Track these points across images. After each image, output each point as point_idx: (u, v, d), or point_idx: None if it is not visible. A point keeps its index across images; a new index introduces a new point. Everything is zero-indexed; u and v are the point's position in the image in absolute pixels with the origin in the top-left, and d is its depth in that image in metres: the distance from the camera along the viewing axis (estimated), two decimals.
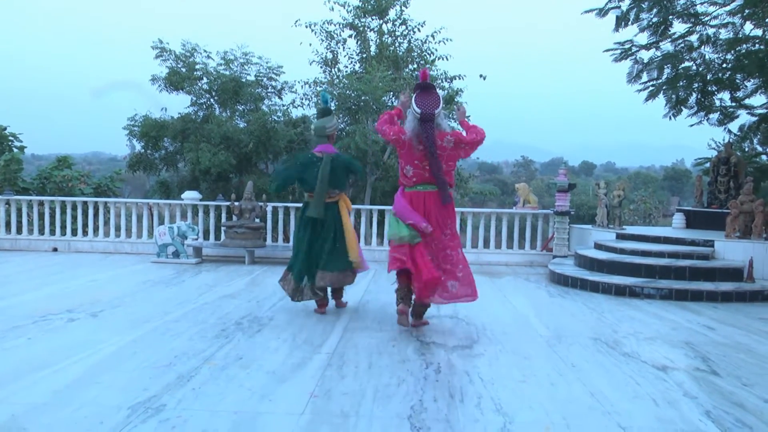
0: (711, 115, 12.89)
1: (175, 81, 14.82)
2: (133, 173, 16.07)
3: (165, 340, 4.79)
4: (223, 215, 10.95)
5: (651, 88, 12.53)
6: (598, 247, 8.97)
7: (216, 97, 15.24)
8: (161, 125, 14.79)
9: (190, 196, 10.97)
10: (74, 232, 11.14)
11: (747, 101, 12.65)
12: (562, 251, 9.93)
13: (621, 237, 9.35)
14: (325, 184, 5.70)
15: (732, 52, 11.91)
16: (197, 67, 15.05)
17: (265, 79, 15.75)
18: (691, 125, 13.02)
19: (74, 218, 11.39)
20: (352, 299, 6.70)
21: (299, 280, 5.84)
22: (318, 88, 15.19)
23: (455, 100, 15.54)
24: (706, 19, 11.96)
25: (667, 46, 12.31)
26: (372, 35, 15.86)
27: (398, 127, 5.28)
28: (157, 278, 7.90)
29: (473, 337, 5.15)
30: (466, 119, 5.55)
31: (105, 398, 3.53)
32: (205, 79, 15.09)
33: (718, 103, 12.76)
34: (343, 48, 16.10)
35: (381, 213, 12.10)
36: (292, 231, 10.16)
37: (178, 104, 15.86)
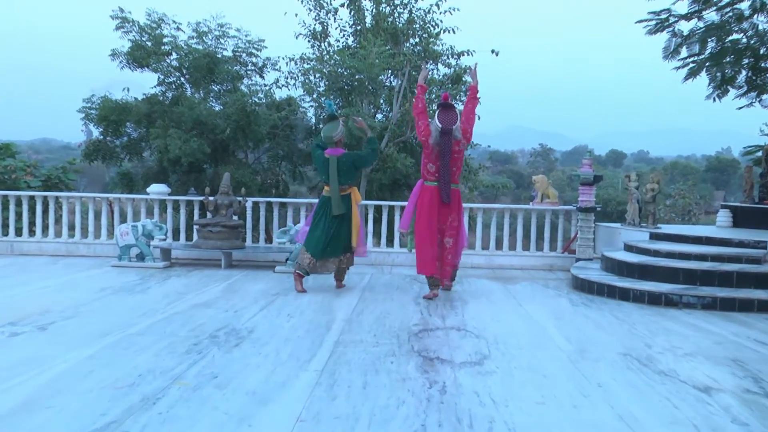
0: (764, 96, 12.82)
1: (139, 57, 14.76)
2: (90, 163, 15.98)
3: (127, 356, 4.77)
4: (196, 212, 10.96)
5: (692, 65, 12.49)
6: (629, 248, 8.99)
7: (187, 76, 15.21)
8: (123, 108, 14.73)
9: (156, 189, 10.96)
10: (19, 232, 11.09)
11: None
12: (587, 253, 9.94)
13: (655, 237, 9.37)
14: (336, 184, 7.61)
15: None
16: (165, 40, 14.99)
17: (244, 54, 15.72)
18: (740, 108, 12.95)
19: (19, 215, 11.33)
20: (345, 308, 6.70)
21: (318, 256, 7.56)
22: (306, 66, 15.18)
23: (462, 79, 15.55)
24: None
25: (711, 15, 12.22)
26: (367, 4, 15.85)
27: (426, 127, 7.39)
28: (119, 285, 7.88)
29: (483, 352, 5.15)
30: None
31: (55, 425, 3.51)
32: (174, 55, 15.05)
33: None
34: (334, 19, 16.10)
35: (378, 209, 12.09)
36: (276, 230, 10.17)
37: (142, 84, 15.81)
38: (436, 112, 7.35)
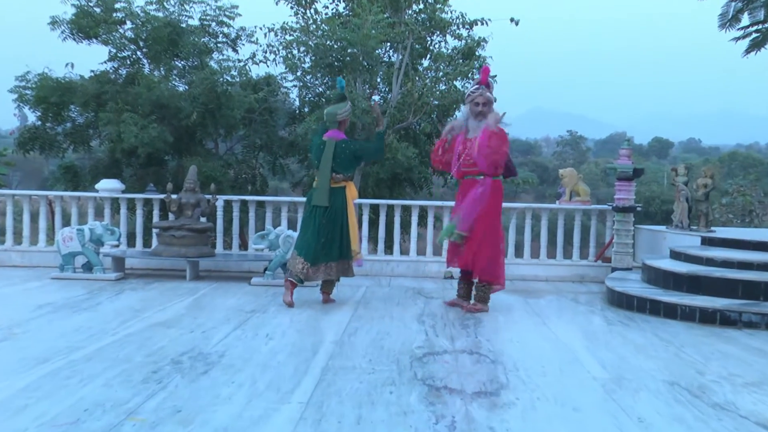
0: None
1: (85, 26, 14.74)
2: (25, 155, 15.93)
3: (71, 386, 4.75)
4: (156, 213, 10.93)
5: (755, 35, 12.45)
6: (676, 256, 8.99)
7: (145, 49, 15.20)
8: (66, 88, 14.71)
9: (108, 186, 10.94)
10: None
11: None
12: (625, 262, 9.95)
13: (708, 242, 9.38)
14: (328, 171, 7.65)
15: None
16: (117, 6, 14.98)
17: (213, 24, 15.74)
18: None
19: None
20: (335, 328, 6.68)
21: (311, 261, 7.62)
22: (288, 37, 15.17)
23: (476, 53, 15.56)
24: None
25: None
26: None
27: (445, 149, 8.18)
28: (61, 300, 7.84)
29: (501, 380, 5.14)
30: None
31: None
32: (128, 24, 15.05)
33: None
34: None
35: (375, 209, 12.09)
36: (253, 234, 10.16)
37: (90, 59, 15.65)
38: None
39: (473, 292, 7.98)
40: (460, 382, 5.08)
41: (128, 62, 15.48)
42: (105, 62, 15.36)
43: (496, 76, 15.23)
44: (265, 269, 9.29)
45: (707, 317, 7.37)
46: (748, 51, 12.60)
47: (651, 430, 4.23)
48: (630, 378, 5.29)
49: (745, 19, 12.45)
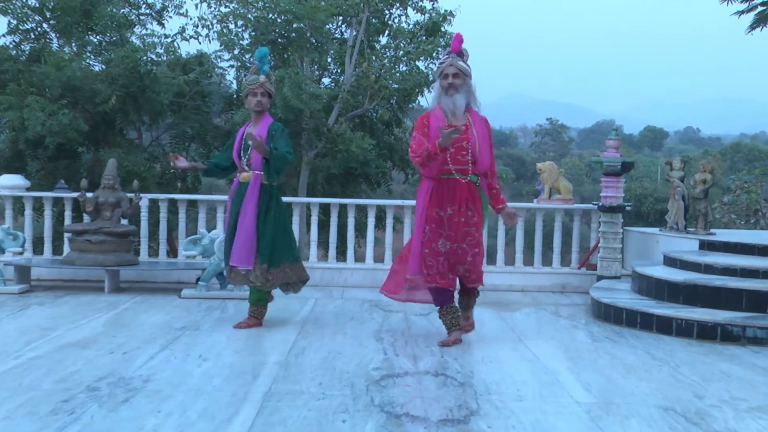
0: None
1: None
2: None
3: None
4: (68, 214, 10.82)
5: (761, 8, 12.54)
6: (671, 262, 9.09)
7: (53, 21, 15.04)
8: None
9: (9, 182, 10.79)
10: None
11: None
12: (613, 269, 10.05)
13: (708, 247, 9.48)
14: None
15: None
16: None
17: None
18: None
19: None
20: (279, 347, 6.67)
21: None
22: (223, 9, 15.13)
23: (442, 29, 15.64)
24: None
25: None
26: None
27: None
28: None
29: (470, 406, 5.16)
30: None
31: None
32: None
33: None
34: None
35: (325, 209, 12.10)
36: (183, 239, 10.11)
37: None
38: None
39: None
40: (424, 408, 5.10)
41: (32, 36, 15.31)
42: (3, 36, 15.18)
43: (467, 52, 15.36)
44: (198, 279, 9.24)
45: (706, 332, 7.46)
46: (753, 27, 12.68)
47: None
48: (619, 403, 5.35)
49: None
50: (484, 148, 6.99)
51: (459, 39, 7.22)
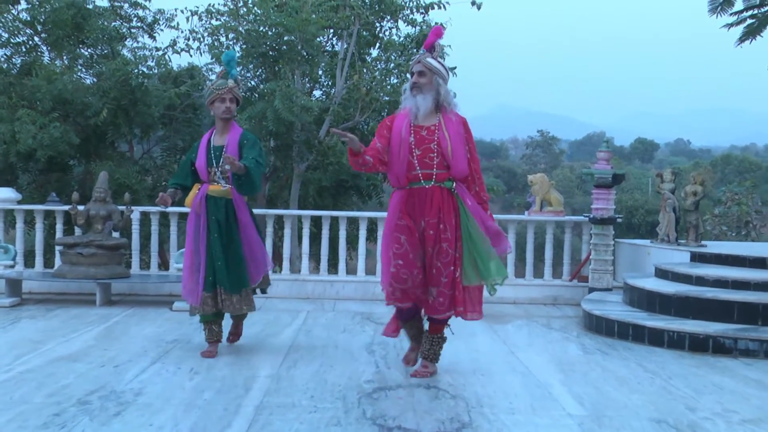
0: None
1: None
2: None
3: None
4: (59, 227, 10.80)
5: (750, 21, 12.62)
6: (662, 274, 9.12)
7: (44, 35, 15.05)
8: None
9: (0, 195, 10.78)
10: None
11: None
12: (604, 281, 10.07)
13: (699, 259, 9.53)
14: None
15: None
16: None
17: (126, 5, 15.64)
18: None
19: None
20: (270, 360, 6.67)
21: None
22: (214, 22, 15.14)
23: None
24: None
25: None
26: None
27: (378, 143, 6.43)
28: None
29: (462, 419, 5.17)
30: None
31: None
32: (23, 3, 14.89)
33: None
34: None
35: (316, 222, 12.10)
36: (175, 251, 10.11)
37: None
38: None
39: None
40: (416, 421, 5.11)
41: (23, 49, 15.29)
42: None
43: (455, 68, 15.39)
44: None
45: (698, 344, 7.48)
46: (742, 39, 12.75)
47: None
48: (611, 415, 5.37)
49: (739, 3, 12.56)
50: (459, 151, 6.24)
51: (435, 32, 6.47)
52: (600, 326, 8.34)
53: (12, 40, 15.11)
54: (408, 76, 6.79)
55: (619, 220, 10.28)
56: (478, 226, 6.25)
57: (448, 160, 6.20)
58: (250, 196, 7.44)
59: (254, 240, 7.01)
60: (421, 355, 6.44)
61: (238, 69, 15.11)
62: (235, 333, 7.35)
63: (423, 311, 6.44)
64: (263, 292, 7.60)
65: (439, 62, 6.37)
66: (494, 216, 9.38)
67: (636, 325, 7.96)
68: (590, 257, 10.29)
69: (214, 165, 6.88)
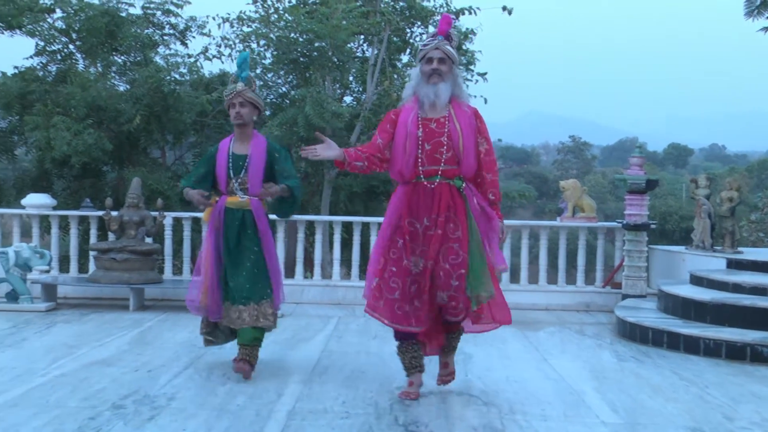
0: None
1: (6, 13, 14.65)
2: None
3: None
4: (93, 233, 10.89)
5: None
6: (698, 281, 9.06)
7: (78, 42, 15.15)
8: None
9: (36, 201, 10.88)
10: None
11: None
12: (637, 288, 10.01)
13: (735, 265, 9.46)
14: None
15: None
16: None
17: (158, 13, 15.71)
18: None
19: None
20: (302, 366, 6.68)
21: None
22: (245, 29, 15.21)
23: (463, 47, 15.64)
24: None
25: None
26: None
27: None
28: None
29: (495, 426, 5.17)
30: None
31: None
32: (59, 12, 15.00)
33: None
34: None
35: (347, 227, 12.11)
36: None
37: (13, 53, 15.57)
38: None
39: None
40: (448, 427, 5.11)
41: (59, 57, 15.38)
42: (31, 57, 15.25)
43: (486, 73, 15.38)
44: None
45: (736, 353, 7.43)
46: None
47: None
48: (645, 423, 5.34)
49: None
50: (470, 146, 5.78)
51: (446, 20, 6.04)
52: (634, 333, 8.29)
53: (48, 48, 15.23)
54: (418, 63, 5.99)
55: (652, 226, 10.23)
56: (479, 234, 5.78)
57: (459, 156, 5.75)
58: (288, 216, 7.19)
59: (273, 254, 6.63)
60: (440, 353, 6.04)
61: (269, 75, 15.24)
62: (247, 360, 6.35)
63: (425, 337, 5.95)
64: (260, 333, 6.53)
65: (455, 51, 5.95)
66: (527, 222, 9.40)
67: (671, 332, 7.91)
68: (623, 264, 10.24)
69: (233, 176, 6.48)
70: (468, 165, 5.78)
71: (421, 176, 5.73)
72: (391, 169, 5.91)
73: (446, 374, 6.07)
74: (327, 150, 5.73)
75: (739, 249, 10.35)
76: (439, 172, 5.72)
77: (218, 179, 6.57)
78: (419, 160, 5.72)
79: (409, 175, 5.76)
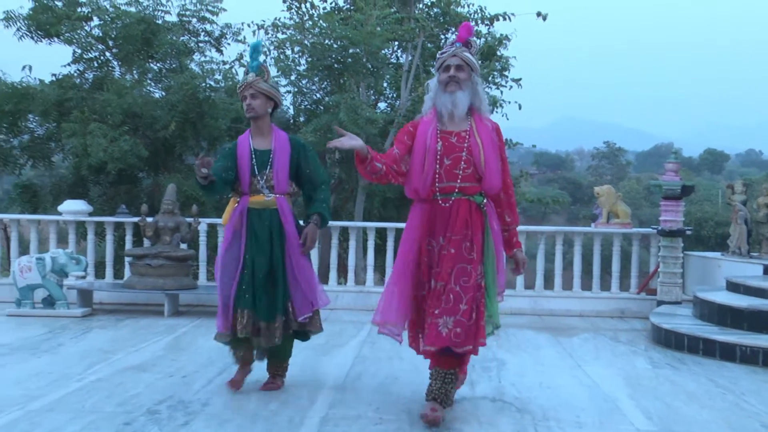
0: None
1: (45, 22, 14.84)
2: None
3: None
4: (128, 239, 10.97)
5: None
6: (734, 287, 8.98)
7: (115, 50, 15.29)
8: (23, 94, 14.75)
9: (72, 207, 10.98)
10: None
11: None
12: (673, 294, 9.94)
13: None
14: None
15: None
16: (83, 0, 15.10)
17: (194, 20, 15.85)
18: None
19: None
20: (335, 372, 6.69)
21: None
22: (280, 35, 15.27)
23: (497, 53, 15.62)
24: None
25: None
26: None
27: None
28: (17, 341, 7.87)
29: None
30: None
31: None
32: (96, 20, 15.15)
33: None
34: None
35: (381, 233, 12.11)
36: None
37: (51, 60, 15.73)
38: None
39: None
40: None
41: (96, 64, 15.53)
42: (68, 64, 15.45)
43: (520, 79, 15.33)
44: None
45: None
46: None
47: None
48: (680, 431, 5.29)
49: None
50: (492, 161, 5.36)
51: (466, 27, 5.65)
52: (669, 340, 8.23)
53: (84, 56, 15.36)
54: (435, 72, 5.63)
55: (688, 232, 10.16)
56: (495, 256, 5.44)
57: (480, 172, 5.34)
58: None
59: (303, 261, 6.05)
60: (429, 395, 5.38)
61: (303, 82, 15.28)
62: (272, 382, 6.19)
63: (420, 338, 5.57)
64: (305, 338, 6.34)
65: (475, 59, 5.57)
66: (561, 228, 9.32)
67: (707, 339, 7.84)
68: (658, 270, 10.17)
69: (257, 172, 5.96)
70: (491, 181, 5.36)
71: (438, 194, 5.36)
72: (407, 185, 5.51)
73: (433, 415, 5.21)
74: (351, 140, 5.24)
75: None
76: (457, 189, 5.32)
77: (240, 178, 5.99)
78: (437, 176, 5.34)
79: (425, 193, 5.38)
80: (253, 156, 5.97)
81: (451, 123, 5.40)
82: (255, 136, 6.06)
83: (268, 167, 5.96)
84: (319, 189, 6.11)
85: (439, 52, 5.60)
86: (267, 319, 5.85)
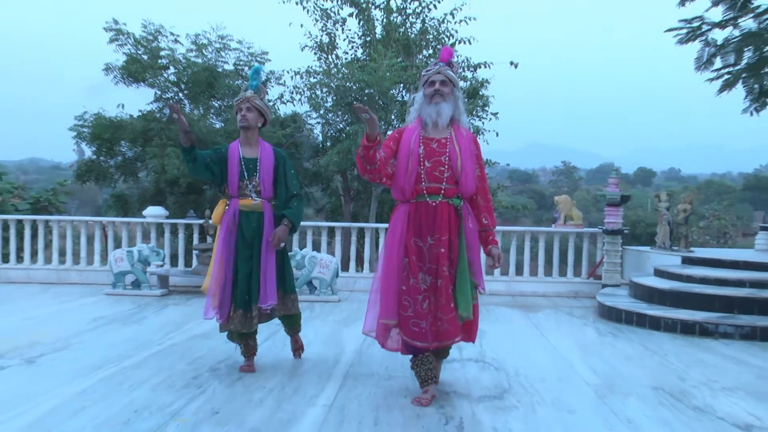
0: None
1: (134, 71, 14.93)
2: (82, 185, 16.10)
3: (122, 391, 4.80)
4: (195, 236, 11.00)
5: (726, 77, 12.41)
6: (659, 273, 8.97)
7: (186, 91, 15.35)
8: (117, 125, 14.88)
9: (153, 212, 11.03)
10: (5, 258, 11.19)
11: None
12: (614, 279, 9.92)
13: (688, 261, 9.36)
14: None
15: None
16: (162, 53, 15.18)
17: (246, 68, 15.86)
18: None
19: (6, 241, 11.43)
20: (354, 340, 6.71)
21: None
22: (312, 79, 15.30)
23: (480, 93, 15.60)
24: None
25: (748, 23, 12.18)
26: (377, 13, 15.99)
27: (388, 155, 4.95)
28: (112, 314, 7.92)
29: (503, 386, 5.15)
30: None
31: None
32: (171, 69, 15.22)
33: None
34: (342, 30, 16.25)
35: None
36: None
37: (138, 100, 15.96)
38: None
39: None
40: (467, 387, 5.09)
41: (171, 103, 15.61)
42: (151, 103, 15.53)
43: (497, 113, 15.29)
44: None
45: (688, 329, 7.37)
46: (720, 90, 12.54)
47: (639, 430, 4.22)
48: (619, 384, 5.28)
49: (718, 63, 12.46)
50: (469, 167, 4.77)
51: (447, 51, 5.03)
52: (611, 314, 8.22)
53: (163, 96, 15.46)
54: (421, 88, 4.99)
55: (625, 231, 10.14)
56: (467, 254, 4.72)
57: (457, 176, 4.74)
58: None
59: (272, 263, 5.46)
60: (433, 379, 4.83)
61: (330, 115, 15.30)
62: (297, 348, 5.97)
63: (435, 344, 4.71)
64: (292, 321, 5.84)
65: (456, 76, 5.01)
66: (528, 228, 9.27)
67: (639, 313, 7.84)
68: (603, 260, 10.15)
69: (246, 178, 5.47)
70: (466, 185, 4.75)
71: (424, 194, 4.74)
72: (393, 186, 4.89)
73: (427, 399, 4.72)
74: (373, 116, 4.62)
75: (691, 249, 10.29)
76: (442, 191, 4.72)
77: (229, 181, 5.45)
78: (421, 177, 4.74)
79: (410, 192, 4.77)
80: (242, 163, 5.49)
81: (434, 131, 4.84)
82: (244, 145, 5.58)
83: (256, 174, 5.50)
84: (294, 197, 5.61)
85: (424, 70, 5.01)
86: (245, 309, 5.34)
